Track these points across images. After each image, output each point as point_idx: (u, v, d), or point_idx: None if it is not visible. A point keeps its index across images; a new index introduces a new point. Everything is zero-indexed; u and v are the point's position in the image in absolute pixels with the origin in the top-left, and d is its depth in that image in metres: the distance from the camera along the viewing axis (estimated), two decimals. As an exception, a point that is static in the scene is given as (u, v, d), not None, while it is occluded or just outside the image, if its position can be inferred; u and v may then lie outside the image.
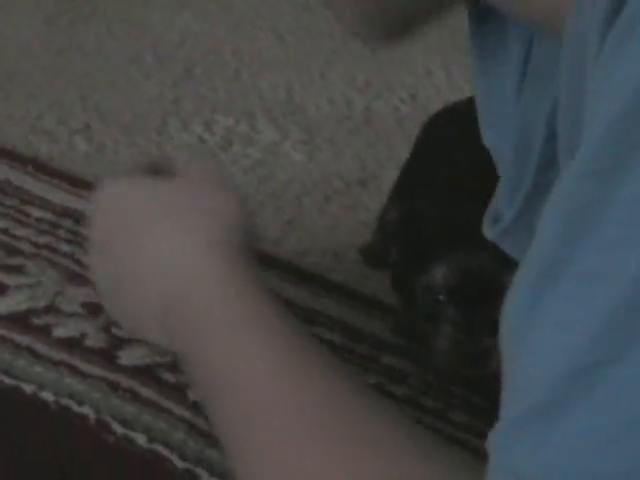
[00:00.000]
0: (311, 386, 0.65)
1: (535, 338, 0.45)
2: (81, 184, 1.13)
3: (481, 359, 0.81)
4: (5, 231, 1.06)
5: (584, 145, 0.44)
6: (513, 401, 0.47)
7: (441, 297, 0.83)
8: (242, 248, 0.74)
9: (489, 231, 0.60)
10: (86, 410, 0.81)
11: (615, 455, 0.42)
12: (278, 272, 1.00)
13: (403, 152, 1.22)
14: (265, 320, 0.69)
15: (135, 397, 0.82)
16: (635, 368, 0.42)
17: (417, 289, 0.85)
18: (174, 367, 0.84)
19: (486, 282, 0.81)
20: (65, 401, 0.82)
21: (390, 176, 1.19)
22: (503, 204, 0.61)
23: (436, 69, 1.48)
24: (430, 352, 0.84)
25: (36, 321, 0.92)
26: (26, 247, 1.03)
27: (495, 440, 0.47)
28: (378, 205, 1.13)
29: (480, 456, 0.51)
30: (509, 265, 0.57)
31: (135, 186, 0.79)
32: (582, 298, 0.43)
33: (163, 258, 0.73)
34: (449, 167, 0.92)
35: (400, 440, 0.62)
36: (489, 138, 0.64)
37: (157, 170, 0.82)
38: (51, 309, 0.93)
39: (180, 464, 0.76)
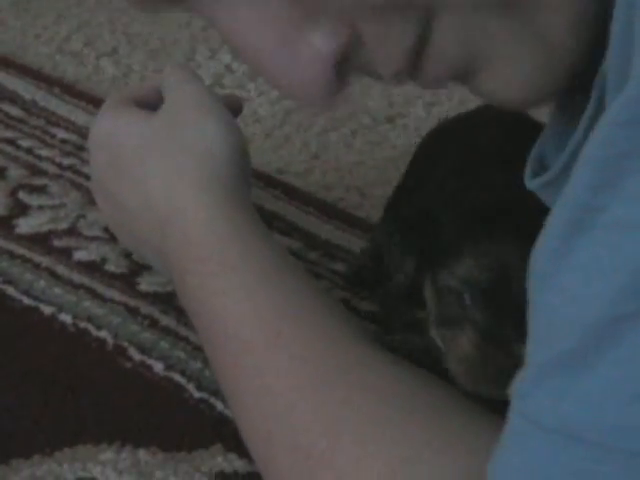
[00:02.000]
0: (299, 324, 0.63)
1: (565, 284, 0.43)
2: (107, 107, 1.11)
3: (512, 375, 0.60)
4: (29, 151, 1.04)
5: (623, 94, 0.42)
6: (540, 347, 0.45)
7: (466, 298, 0.66)
8: (233, 184, 0.73)
9: (530, 181, 0.57)
10: (104, 334, 0.79)
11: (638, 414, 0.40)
12: (301, 205, 0.98)
13: (431, 90, 1.19)
14: (253, 262, 0.68)
15: (154, 324, 0.80)
16: None
17: (428, 294, 0.70)
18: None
19: (520, 280, 0.59)
20: (83, 324, 0.80)
21: (417, 114, 1.16)
22: (550, 151, 0.58)
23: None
24: (443, 368, 0.67)
25: (57, 243, 0.90)
26: (50, 168, 1.01)
27: (519, 386, 0.46)
28: (404, 142, 1.10)
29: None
30: None
31: (124, 121, 0.78)
32: (615, 247, 0.41)
33: (153, 198, 0.73)
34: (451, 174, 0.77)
35: (384, 387, 0.60)
36: None
37: (147, 99, 0.81)
38: (73, 232, 0.91)
39: (196, 393, 0.74)
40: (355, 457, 0.55)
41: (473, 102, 1.15)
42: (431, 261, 0.69)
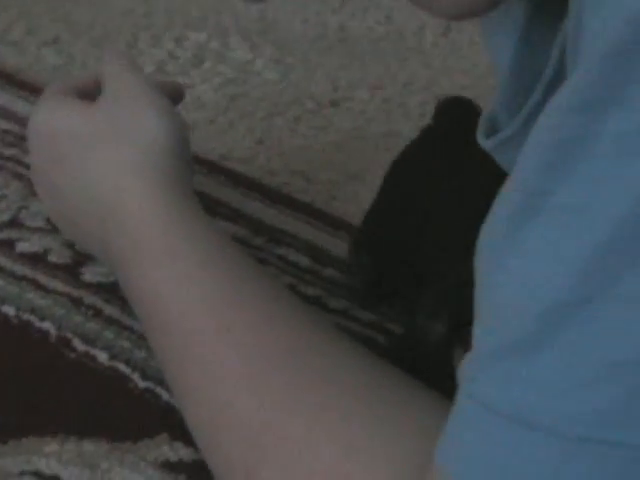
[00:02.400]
0: (246, 311, 0.63)
1: (515, 268, 0.43)
2: (48, 97, 1.09)
3: None
4: (-30, 142, 1.03)
5: (571, 78, 0.42)
6: (489, 330, 0.45)
7: None
8: (174, 174, 0.72)
9: (485, 141, 0.57)
10: (47, 326, 0.78)
11: (588, 399, 0.41)
12: (246, 191, 0.98)
13: (376, 73, 1.19)
14: (196, 251, 0.67)
15: (98, 314, 0.80)
16: (618, 309, 0.40)
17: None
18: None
19: None
20: (26, 316, 0.79)
21: (362, 97, 1.16)
22: (502, 110, 0.58)
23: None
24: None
25: (-1, 235, 0.89)
26: (-9, 159, 1.00)
27: (468, 368, 0.46)
28: (349, 126, 1.10)
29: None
30: None
31: (63, 112, 0.77)
32: (565, 231, 0.41)
33: (94, 190, 0.73)
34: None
35: (332, 371, 0.60)
36: (491, 44, 0.61)
37: (86, 88, 0.80)
38: (15, 223, 0.90)
39: (141, 383, 0.73)
40: (302, 444, 0.55)
41: (418, 84, 1.15)
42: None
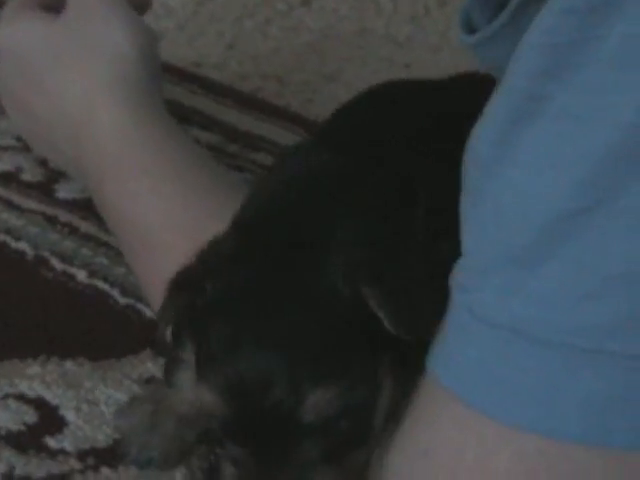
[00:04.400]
0: (216, 223, 0.60)
1: (514, 179, 0.41)
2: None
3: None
4: None
5: None
6: (486, 241, 0.43)
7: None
8: (142, 86, 0.70)
9: (465, 37, 0.55)
10: (23, 246, 0.76)
11: (590, 311, 0.39)
12: (218, 97, 0.95)
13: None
14: (165, 163, 0.66)
15: (74, 231, 0.78)
16: (622, 219, 0.38)
17: None
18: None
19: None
20: (1, 237, 0.77)
21: (333, -5, 1.12)
22: (475, 12, 0.55)
23: None
24: None
25: (-31, 155, 0.86)
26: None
27: (461, 278, 0.44)
28: (322, 25, 1.07)
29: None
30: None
31: (28, 26, 0.74)
32: (566, 139, 0.39)
33: (65, 106, 0.71)
34: None
35: None
36: None
37: (50, 2, 0.77)
38: (-15, 142, 0.88)
39: (121, 300, 0.72)
40: None
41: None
42: None
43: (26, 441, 0.62)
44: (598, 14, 0.38)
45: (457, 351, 0.44)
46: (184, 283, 0.52)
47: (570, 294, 0.40)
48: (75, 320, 0.70)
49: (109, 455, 0.61)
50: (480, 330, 0.42)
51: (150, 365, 0.67)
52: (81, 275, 0.74)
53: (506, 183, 0.42)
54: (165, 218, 0.62)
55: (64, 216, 0.79)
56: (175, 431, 0.57)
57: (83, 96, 0.70)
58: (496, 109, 0.42)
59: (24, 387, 0.65)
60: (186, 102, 0.93)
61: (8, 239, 0.77)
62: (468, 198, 0.45)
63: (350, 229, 0.50)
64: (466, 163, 0.45)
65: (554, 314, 0.40)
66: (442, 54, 0.99)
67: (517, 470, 0.42)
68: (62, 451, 0.61)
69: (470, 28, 0.54)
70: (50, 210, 0.80)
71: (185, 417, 0.55)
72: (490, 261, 0.43)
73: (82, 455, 0.61)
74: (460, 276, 0.44)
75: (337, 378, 0.45)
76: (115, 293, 0.72)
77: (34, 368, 0.66)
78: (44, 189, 0.82)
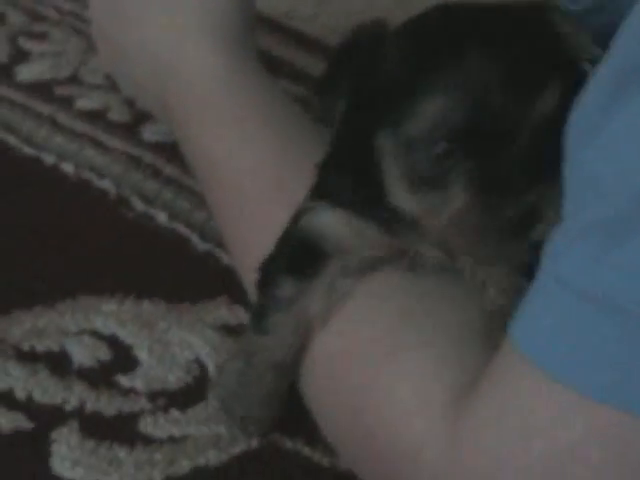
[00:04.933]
0: (300, 173, 0.59)
1: (612, 146, 0.40)
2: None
3: (523, 228, 0.46)
4: (30, -5, 0.99)
5: None
6: (579, 207, 0.42)
7: (443, 147, 0.47)
8: (235, 33, 0.69)
9: (569, 4, 0.53)
10: (106, 184, 0.76)
11: None
12: (309, 50, 0.93)
13: None
14: (254, 111, 0.64)
15: (157, 173, 0.77)
16: None
17: (387, 149, 0.50)
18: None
19: (507, 113, 0.46)
20: (85, 174, 0.77)
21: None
22: None
23: None
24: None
25: (58, 91, 0.86)
26: (50, 13, 0.96)
27: (552, 245, 0.42)
28: (416, -15, 1.05)
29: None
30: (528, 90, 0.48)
31: None
32: None
33: (153, 44, 0.69)
34: None
35: None
36: None
37: None
38: (74, 79, 0.87)
39: (200, 245, 0.71)
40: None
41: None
42: (371, 107, 0.51)
43: (98, 377, 0.62)
44: None
45: (537, 317, 0.43)
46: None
47: None
48: (153, 261, 0.70)
49: (180, 397, 0.61)
50: (562, 296, 0.41)
51: (225, 311, 0.66)
52: (161, 217, 0.73)
53: (603, 149, 0.40)
54: (255, 164, 0.61)
55: (148, 157, 0.79)
56: (274, 382, 0.55)
57: (174, 39, 0.69)
58: (602, 77, 0.41)
59: (99, 324, 0.65)
60: (276, 52, 0.92)
61: (91, 176, 0.77)
62: (569, 163, 0.43)
63: None
64: (568, 127, 0.43)
65: (639, 285, 0.39)
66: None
67: (589, 441, 0.41)
68: (133, 390, 0.61)
69: None
70: (134, 150, 0.79)
71: (281, 365, 0.54)
72: (582, 228, 0.41)
73: (153, 395, 0.61)
74: (552, 242, 0.43)
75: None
76: (194, 238, 0.72)
77: (110, 305, 0.66)
78: (130, 129, 0.82)
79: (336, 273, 0.53)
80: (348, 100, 0.50)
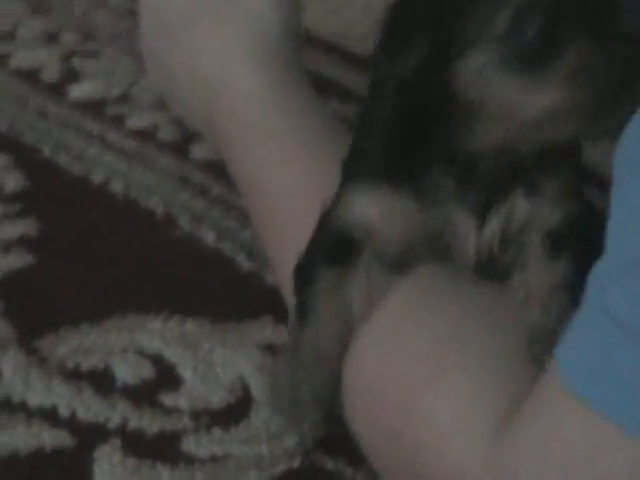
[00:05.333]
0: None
1: None
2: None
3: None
4: (84, 15, 1.01)
5: None
6: (624, 242, 0.41)
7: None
8: (283, 56, 0.69)
9: None
10: (154, 203, 0.76)
11: None
12: (359, 71, 0.93)
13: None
14: (297, 133, 0.64)
15: (205, 192, 0.78)
16: None
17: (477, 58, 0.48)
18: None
19: None
20: (134, 192, 0.78)
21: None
22: None
23: None
24: None
25: (109, 110, 0.87)
26: (104, 32, 0.98)
27: (597, 276, 0.42)
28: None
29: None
30: None
31: None
32: None
33: (201, 66, 0.70)
34: None
35: None
36: None
37: None
38: (125, 98, 0.88)
39: (246, 264, 0.71)
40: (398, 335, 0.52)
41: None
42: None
43: (141, 396, 0.62)
44: None
45: (583, 347, 0.43)
46: None
47: None
48: (199, 281, 0.70)
49: (222, 416, 0.61)
50: (607, 329, 0.41)
51: (270, 331, 0.66)
52: (209, 236, 0.74)
53: None
54: (293, 184, 0.61)
55: (196, 176, 0.79)
56: (322, 377, 0.55)
57: (219, 58, 0.69)
58: None
59: (144, 342, 0.65)
60: (326, 73, 0.92)
61: (140, 195, 0.77)
62: (616, 190, 0.43)
63: None
64: (615, 159, 0.43)
65: None
66: None
67: (631, 475, 0.40)
68: (176, 409, 0.61)
69: None
70: (183, 169, 0.80)
71: (327, 357, 0.54)
72: (626, 261, 0.41)
73: (196, 415, 0.61)
74: (598, 273, 0.43)
75: None
76: (241, 257, 0.72)
77: (155, 324, 0.66)
78: (179, 148, 0.82)
79: (371, 264, 0.53)
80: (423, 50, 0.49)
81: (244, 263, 0.71)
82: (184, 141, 0.83)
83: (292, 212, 0.60)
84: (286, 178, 0.62)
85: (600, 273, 0.42)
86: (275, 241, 0.62)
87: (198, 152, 0.81)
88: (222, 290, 0.69)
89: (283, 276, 0.62)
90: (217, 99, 0.68)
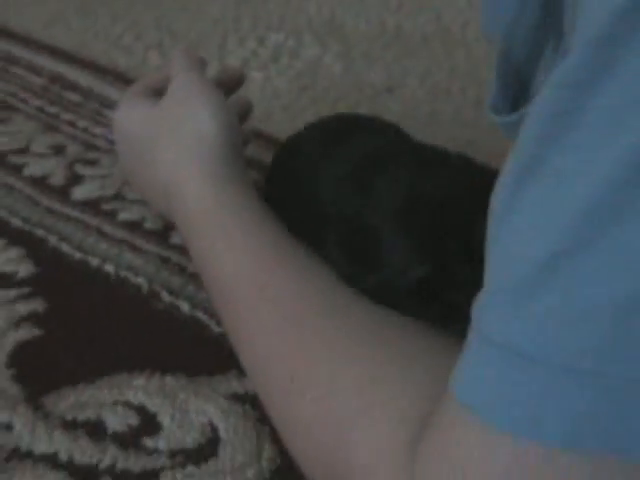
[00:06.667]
0: (277, 273, 0.61)
1: (515, 223, 0.42)
2: (149, 91, 1.09)
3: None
4: (85, 130, 1.03)
5: (566, 60, 0.40)
6: (494, 277, 0.43)
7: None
8: (223, 160, 0.71)
9: (492, 116, 0.55)
10: (141, 280, 0.78)
11: (576, 334, 0.39)
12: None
13: (426, 65, 1.16)
14: (236, 227, 0.66)
15: (182, 271, 0.79)
16: (600, 259, 0.38)
17: None
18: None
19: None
20: (123, 272, 0.79)
21: (413, 85, 1.13)
22: (497, 96, 0.55)
23: (460, -8, 1.40)
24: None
25: (105, 206, 0.89)
26: (102, 144, 1.00)
27: (476, 308, 0.44)
28: (402, 109, 1.08)
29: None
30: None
31: (132, 113, 0.77)
32: (555, 192, 0.40)
33: (160, 178, 0.73)
34: None
35: (357, 325, 0.57)
36: (485, 25, 0.58)
37: (158, 87, 0.80)
38: (118, 196, 0.90)
39: (216, 329, 0.73)
40: (327, 379, 0.53)
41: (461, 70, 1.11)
42: None
43: (128, 440, 0.63)
44: (583, 87, 0.38)
45: (467, 368, 0.44)
46: None
47: (557, 320, 0.40)
48: (177, 343, 0.71)
49: (195, 455, 0.62)
50: (486, 349, 0.42)
51: (236, 383, 0.67)
52: (185, 307, 0.75)
53: (510, 228, 0.42)
54: (241, 269, 0.63)
55: (175, 257, 0.81)
56: None
57: (172, 170, 0.73)
58: (510, 167, 0.43)
59: (130, 396, 0.66)
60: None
61: (129, 275, 0.79)
62: (490, 240, 0.45)
63: None
64: (489, 217, 0.45)
65: (547, 335, 0.40)
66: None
67: (513, 473, 0.41)
68: (156, 450, 0.62)
69: (496, 110, 0.54)
70: (165, 252, 0.82)
71: None
72: (495, 292, 0.43)
73: (173, 454, 0.62)
74: (475, 306, 0.44)
75: None
76: (212, 323, 0.73)
77: (139, 380, 0.67)
78: (161, 235, 0.84)
79: None
80: None
81: (215, 328, 0.73)
82: (165, 230, 0.85)
83: (233, 292, 0.62)
84: (229, 265, 0.64)
85: (477, 305, 0.44)
86: (227, 321, 0.64)
87: (177, 239, 0.83)
88: (196, 350, 0.71)
89: (234, 344, 0.63)
90: (173, 201, 0.71)
